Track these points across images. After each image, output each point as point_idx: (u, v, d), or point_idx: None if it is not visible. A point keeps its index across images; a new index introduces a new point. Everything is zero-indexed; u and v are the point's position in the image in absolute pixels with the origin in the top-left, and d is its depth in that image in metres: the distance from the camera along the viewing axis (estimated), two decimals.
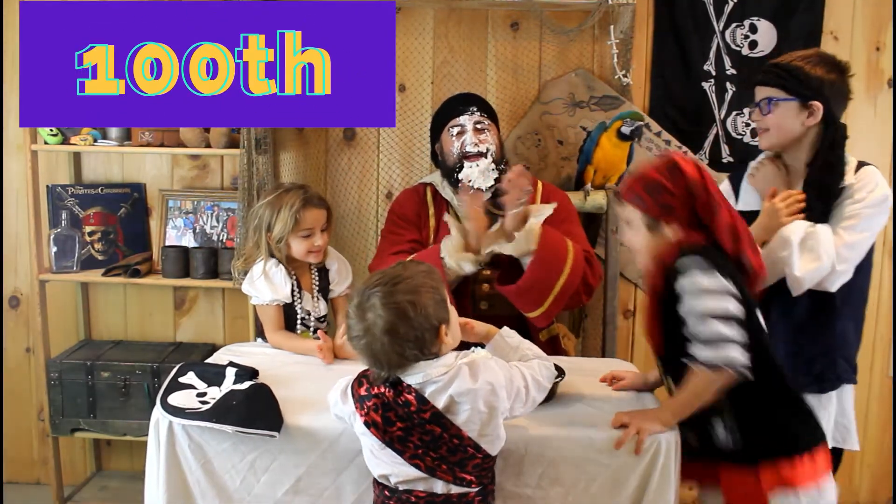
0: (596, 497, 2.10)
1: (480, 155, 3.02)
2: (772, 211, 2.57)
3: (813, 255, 2.48)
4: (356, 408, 1.95)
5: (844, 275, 2.53)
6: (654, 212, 2.16)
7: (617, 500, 2.10)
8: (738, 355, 2.01)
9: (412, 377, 1.91)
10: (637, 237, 2.23)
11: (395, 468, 1.94)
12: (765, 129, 2.64)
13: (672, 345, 2.16)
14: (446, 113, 3.16)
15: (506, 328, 2.27)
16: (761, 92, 2.62)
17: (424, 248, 3.09)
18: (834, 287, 2.54)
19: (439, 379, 1.89)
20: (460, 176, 3.02)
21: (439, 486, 1.94)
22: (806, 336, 2.63)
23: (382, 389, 1.92)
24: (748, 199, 2.77)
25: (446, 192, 3.15)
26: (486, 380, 1.92)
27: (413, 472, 1.92)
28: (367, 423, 1.92)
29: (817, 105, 2.53)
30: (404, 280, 1.91)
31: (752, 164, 2.79)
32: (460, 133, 3.06)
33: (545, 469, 2.10)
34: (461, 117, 3.07)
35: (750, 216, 2.61)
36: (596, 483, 2.10)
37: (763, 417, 2.16)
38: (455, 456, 1.91)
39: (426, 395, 1.89)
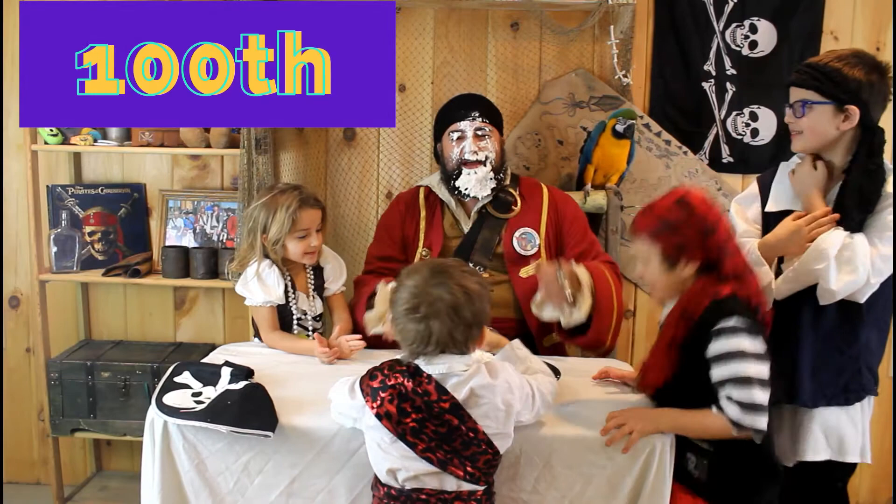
0: (592, 500, 2.10)
1: (479, 163, 3.01)
2: (796, 232, 2.48)
3: (850, 268, 2.41)
4: (367, 401, 1.96)
5: (876, 286, 2.47)
6: (670, 251, 2.18)
7: (613, 502, 2.10)
8: (765, 423, 2.05)
9: (435, 367, 1.94)
10: (653, 274, 2.24)
11: (404, 463, 1.94)
12: (798, 132, 2.54)
13: (675, 388, 2.19)
14: (448, 116, 3.15)
15: (516, 341, 2.32)
16: (796, 93, 2.52)
17: (407, 258, 3.14)
18: (864, 298, 2.48)
19: (461, 373, 1.93)
20: (457, 184, 3.03)
21: (450, 483, 1.94)
22: (833, 345, 2.55)
23: (401, 380, 1.94)
24: (779, 199, 2.66)
25: (443, 192, 3.15)
26: (505, 378, 1.98)
27: (424, 467, 1.93)
28: (379, 416, 1.93)
29: (853, 109, 2.43)
30: (474, 274, 2.04)
31: (786, 164, 2.69)
32: (460, 139, 3.05)
33: (540, 472, 2.10)
34: (462, 122, 3.06)
35: (780, 216, 2.58)
36: (592, 486, 2.10)
37: (735, 465, 2.18)
38: (468, 450, 1.93)
39: (447, 387, 1.92)
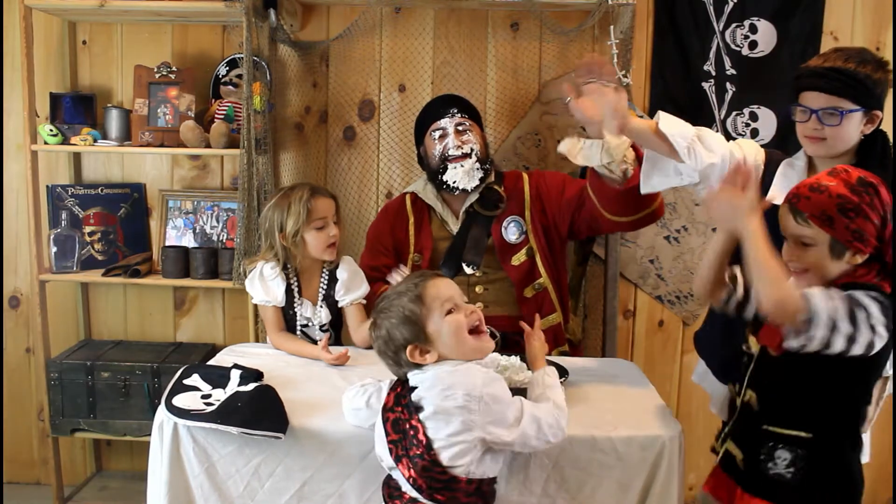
0: (602, 501, 2.11)
1: (465, 156, 3.04)
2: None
3: None
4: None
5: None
6: (845, 236, 1.96)
7: (624, 503, 2.11)
8: (820, 341, 1.90)
9: (411, 379, 1.99)
10: (813, 261, 2.01)
11: (382, 452, 1.99)
12: (821, 139, 2.40)
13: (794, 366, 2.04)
14: (427, 116, 3.19)
15: (550, 367, 2.21)
16: (821, 99, 2.37)
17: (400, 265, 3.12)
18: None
19: (416, 385, 1.96)
20: (445, 178, 3.05)
21: (403, 483, 1.95)
22: None
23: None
24: (781, 193, 2.45)
25: (428, 196, 3.19)
26: (459, 380, 1.92)
27: (389, 459, 1.96)
28: (385, 405, 2.01)
29: (878, 114, 2.38)
30: (383, 300, 2.05)
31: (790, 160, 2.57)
32: (442, 136, 3.09)
33: (550, 474, 2.10)
34: (442, 120, 3.10)
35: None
36: (602, 487, 2.11)
37: (835, 471, 2.07)
38: (410, 450, 1.92)
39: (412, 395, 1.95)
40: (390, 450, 1.95)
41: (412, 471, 1.91)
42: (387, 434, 1.96)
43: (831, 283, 1.98)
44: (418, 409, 1.92)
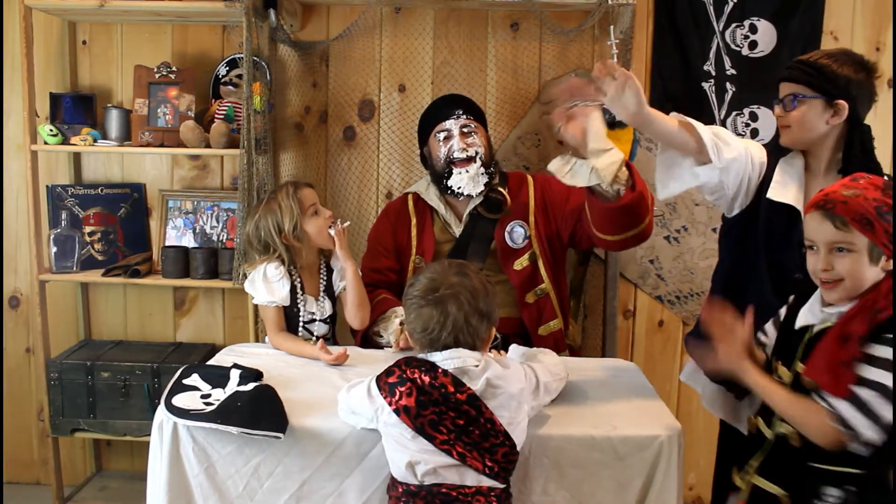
0: (602, 500, 2.11)
1: (469, 160, 3.02)
2: None
3: None
4: (385, 397, 1.98)
5: None
6: (882, 239, 1.92)
7: (623, 502, 2.11)
8: (876, 437, 1.86)
9: (449, 362, 1.98)
10: (851, 266, 1.94)
11: (424, 456, 1.95)
12: (786, 126, 2.52)
13: None
14: (432, 117, 3.17)
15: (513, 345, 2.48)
16: (786, 88, 2.52)
17: (401, 267, 3.16)
18: None
19: (474, 368, 1.98)
20: (450, 184, 3.04)
21: (470, 478, 1.95)
22: None
23: (418, 374, 1.96)
24: (783, 191, 2.55)
25: (431, 198, 3.18)
26: (514, 369, 2.05)
27: (443, 460, 1.94)
28: (397, 411, 1.95)
29: (842, 104, 2.44)
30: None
31: (785, 158, 2.62)
32: (447, 138, 3.07)
33: (549, 473, 2.10)
34: (447, 121, 3.08)
35: (781, 208, 2.52)
36: (601, 486, 2.10)
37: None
38: (486, 441, 1.94)
39: (462, 380, 1.96)
40: (448, 452, 1.93)
41: (489, 460, 1.94)
42: (431, 439, 1.93)
43: (863, 295, 1.95)
44: (485, 400, 1.95)
